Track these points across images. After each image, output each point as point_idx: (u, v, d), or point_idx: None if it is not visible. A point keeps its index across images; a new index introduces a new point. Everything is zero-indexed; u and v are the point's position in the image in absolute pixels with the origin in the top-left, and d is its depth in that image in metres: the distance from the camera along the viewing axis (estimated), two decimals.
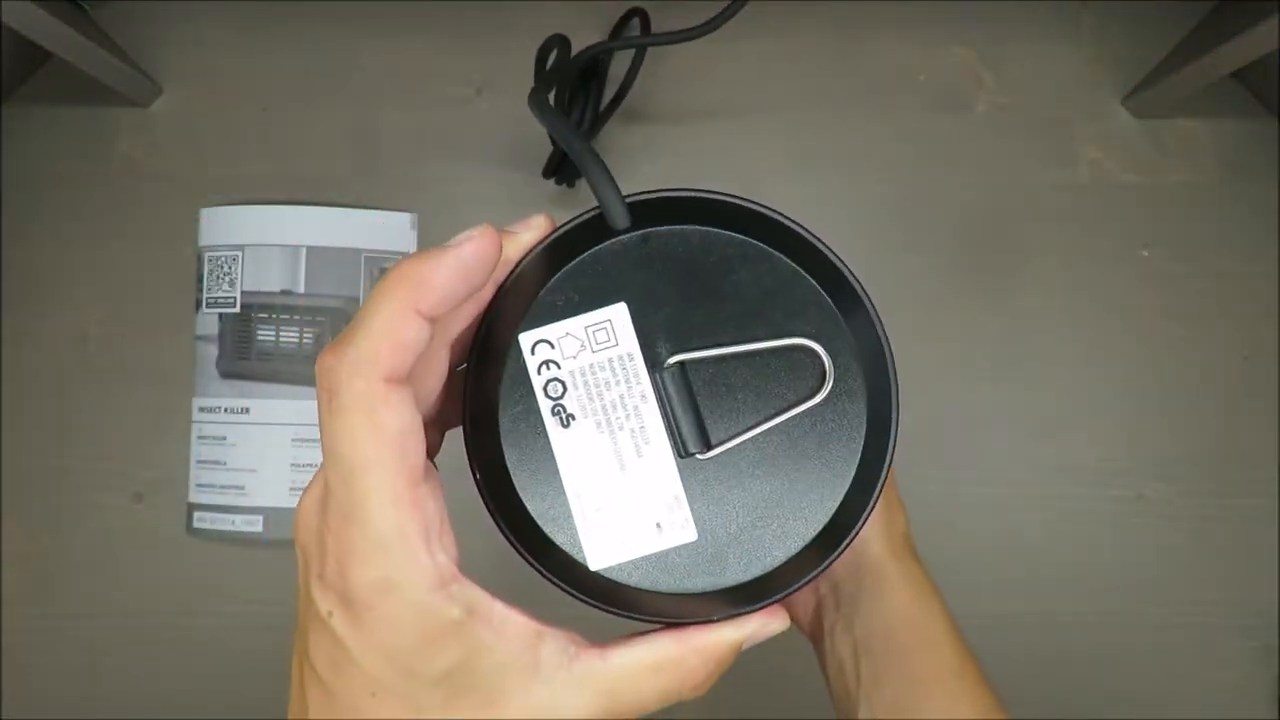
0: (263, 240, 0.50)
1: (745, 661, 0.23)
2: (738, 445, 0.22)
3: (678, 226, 0.23)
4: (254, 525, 0.49)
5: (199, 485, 0.50)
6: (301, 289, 0.50)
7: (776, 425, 0.22)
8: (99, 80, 0.51)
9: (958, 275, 0.54)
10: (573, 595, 0.22)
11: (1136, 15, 0.55)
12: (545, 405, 0.22)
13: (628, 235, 0.23)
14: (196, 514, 0.50)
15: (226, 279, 0.50)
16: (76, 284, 0.54)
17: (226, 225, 0.51)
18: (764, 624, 0.22)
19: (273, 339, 0.50)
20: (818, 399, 0.22)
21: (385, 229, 0.52)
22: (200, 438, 0.51)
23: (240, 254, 0.50)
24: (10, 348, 0.53)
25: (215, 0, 0.55)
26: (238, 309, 0.50)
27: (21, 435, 0.53)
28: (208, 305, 0.51)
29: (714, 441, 0.22)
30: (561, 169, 0.52)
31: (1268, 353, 0.54)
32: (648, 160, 0.55)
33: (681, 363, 0.22)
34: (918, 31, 0.56)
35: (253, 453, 0.50)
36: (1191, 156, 0.55)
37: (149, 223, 0.54)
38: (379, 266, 0.52)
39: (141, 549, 0.52)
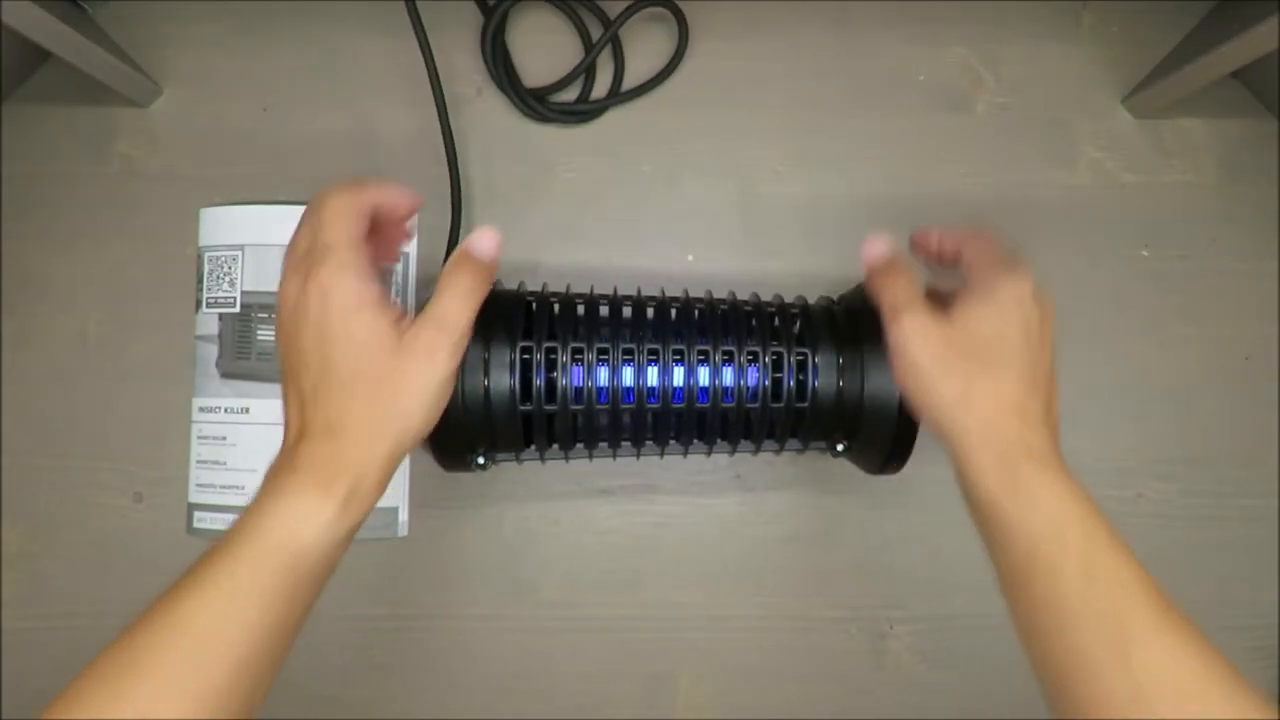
0: (263, 240, 0.50)
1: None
2: None
3: None
4: None
5: (199, 485, 0.50)
6: None
7: None
8: (99, 80, 0.50)
9: None
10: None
11: (1136, 15, 0.55)
12: None
13: None
14: (196, 514, 0.50)
15: (226, 279, 0.50)
16: (76, 284, 0.54)
17: (226, 225, 0.51)
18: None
19: (273, 339, 0.50)
20: None
21: None
22: (200, 438, 0.51)
23: (240, 254, 0.50)
24: (10, 348, 0.53)
25: (215, 0, 0.55)
26: (238, 309, 0.50)
27: (21, 435, 0.53)
28: (208, 305, 0.51)
29: None
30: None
31: (1268, 353, 0.54)
32: (647, 159, 0.55)
33: None
34: (918, 31, 0.56)
35: (253, 453, 0.49)
36: (1191, 156, 0.55)
37: (149, 223, 0.54)
38: (378, 266, 0.52)
39: (141, 549, 0.52)
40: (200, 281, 0.51)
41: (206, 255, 0.51)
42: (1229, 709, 0.28)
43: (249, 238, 0.50)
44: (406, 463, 0.49)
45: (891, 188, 0.55)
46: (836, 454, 0.45)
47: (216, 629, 0.28)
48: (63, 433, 0.53)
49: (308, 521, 0.30)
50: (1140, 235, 0.55)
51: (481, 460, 0.43)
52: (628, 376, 0.42)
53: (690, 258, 0.54)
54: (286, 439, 0.33)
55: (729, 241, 0.54)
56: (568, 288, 0.45)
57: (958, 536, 0.54)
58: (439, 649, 0.53)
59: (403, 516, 0.50)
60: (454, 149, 0.51)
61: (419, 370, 0.32)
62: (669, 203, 0.55)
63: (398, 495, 0.50)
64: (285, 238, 0.50)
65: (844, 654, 0.53)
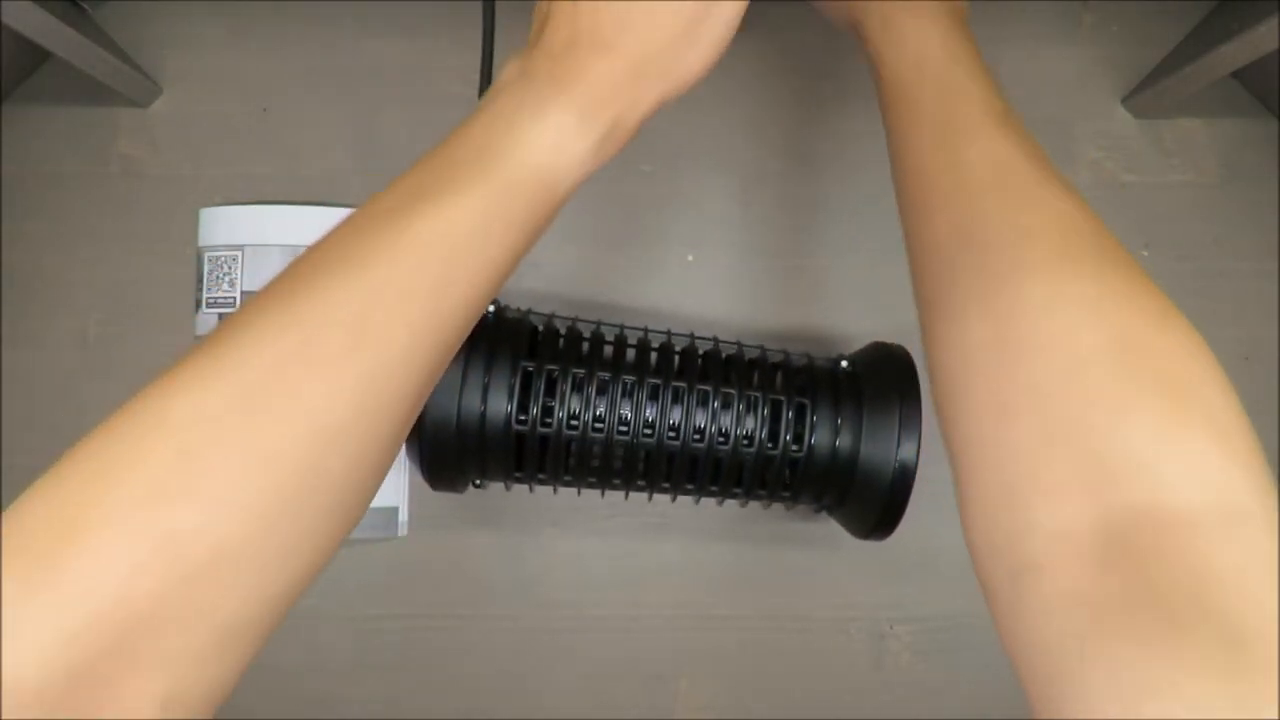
0: (263, 240, 0.50)
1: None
2: None
3: None
4: None
5: None
6: None
7: None
8: (99, 80, 0.51)
9: None
10: None
11: (1136, 15, 0.55)
12: None
13: None
14: None
15: (226, 279, 0.50)
16: (76, 284, 0.54)
17: (226, 225, 0.51)
18: None
19: None
20: None
21: None
22: None
23: (240, 254, 0.50)
24: (10, 348, 0.53)
25: (215, 0, 0.55)
26: (237, 309, 0.50)
27: (21, 435, 0.53)
28: (208, 305, 0.51)
29: None
30: None
31: (1268, 353, 0.54)
32: (646, 159, 0.55)
33: None
34: None
35: None
36: (1191, 156, 0.55)
37: (149, 223, 0.54)
38: None
39: None
40: (200, 281, 0.51)
41: (206, 255, 0.51)
42: (1042, 187, 0.32)
43: (249, 238, 0.50)
44: (406, 463, 0.49)
45: (892, 188, 0.55)
46: (818, 510, 0.45)
47: (464, 247, 0.25)
48: (63, 433, 0.53)
49: (565, 151, 0.27)
50: (1140, 235, 0.55)
51: (478, 481, 0.44)
52: (624, 413, 0.42)
53: (690, 258, 0.54)
54: (544, 41, 0.28)
55: (729, 241, 0.54)
56: (573, 323, 0.45)
57: (958, 536, 0.54)
58: (439, 649, 0.53)
59: (403, 516, 0.50)
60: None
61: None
62: (669, 203, 0.55)
63: (398, 495, 0.49)
64: (285, 238, 0.51)
65: (844, 654, 0.53)
